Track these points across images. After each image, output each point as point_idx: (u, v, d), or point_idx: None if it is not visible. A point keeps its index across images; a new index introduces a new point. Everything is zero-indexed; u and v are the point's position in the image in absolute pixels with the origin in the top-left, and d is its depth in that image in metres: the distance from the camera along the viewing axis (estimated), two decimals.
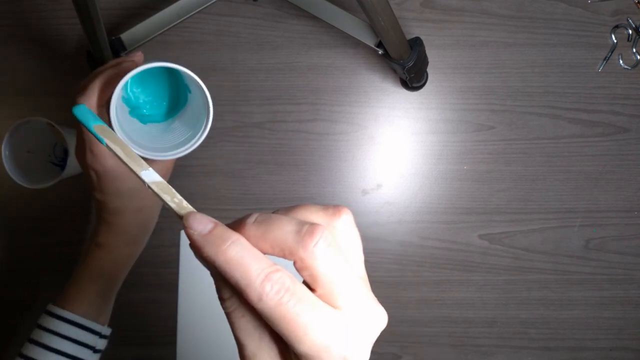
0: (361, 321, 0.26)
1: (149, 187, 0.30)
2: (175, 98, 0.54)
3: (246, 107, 0.75)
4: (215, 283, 0.27)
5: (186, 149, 0.47)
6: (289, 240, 0.25)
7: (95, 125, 0.36)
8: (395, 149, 0.76)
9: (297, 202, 0.33)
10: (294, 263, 0.25)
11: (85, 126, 0.37)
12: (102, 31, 0.56)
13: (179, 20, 0.65)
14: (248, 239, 0.26)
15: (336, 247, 0.26)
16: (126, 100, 0.53)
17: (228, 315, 0.27)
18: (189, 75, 0.45)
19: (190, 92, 0.52)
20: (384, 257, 0.76)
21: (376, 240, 0.75)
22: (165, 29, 0.65)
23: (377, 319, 0.27)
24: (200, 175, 0.72)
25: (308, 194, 0.75)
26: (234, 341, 0.27)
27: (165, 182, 0.30)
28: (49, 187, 0.63)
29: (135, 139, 0.48)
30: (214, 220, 0.26)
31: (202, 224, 0.26)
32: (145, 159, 0.36)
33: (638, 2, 0.75)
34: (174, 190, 0.29)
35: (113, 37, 0.64)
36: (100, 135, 0.35)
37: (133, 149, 0.32)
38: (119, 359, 0.61)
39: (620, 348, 0.77)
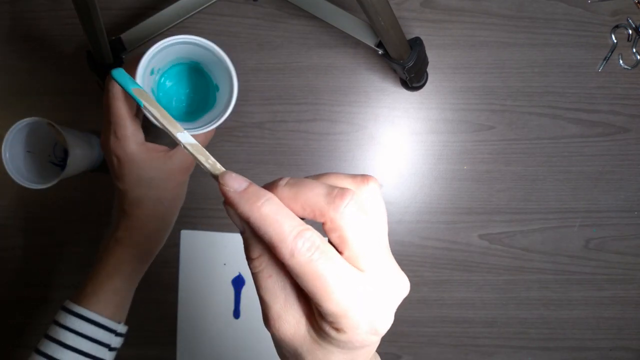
0: (385, 285, 0.27)
1: (185, 147, 0.31)
2: (204, 100, 0.54)
3: (246, 107, 0.75)
4: (245, 242, 0.27)
5: (217, 121, 0.47)
6: (320, 202, 0.26)
7: (134, 89, 0.38)
8: (395, 149, 0.76)
9: None
10: (323, 224, 0.26)
11: (124, 88, 0.38)
12: (102, 31, 0.56)
13: (179, 20, 0.65)
14: (280, 199, 0.26)
15: (365, 211, 0.26)
16: (157, 99, 0.53)
17: (255, 275, 0.27)
18: (206, 45, 0.45)
19: (218, 90, 0.52)
20: None
21: None
22: (165, 29, 0.65)
23: (400, 284, 0.28)
24: (200, 175, 0.72)
25: None
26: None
27: (199, 144, 0.31)
28: (49, 187, 0.63)
29: None
30: (247, 179, 0.27)
31: (237, 182, 0.27)
32: None
33: (638, 2, 0.75)
34: (207, 153, 0.30)
35: (113, 37, 0.64)
36: (139, 98, 0.36)
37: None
38: (119, 359, 0.61)
39: (620, 348, 0.77)
